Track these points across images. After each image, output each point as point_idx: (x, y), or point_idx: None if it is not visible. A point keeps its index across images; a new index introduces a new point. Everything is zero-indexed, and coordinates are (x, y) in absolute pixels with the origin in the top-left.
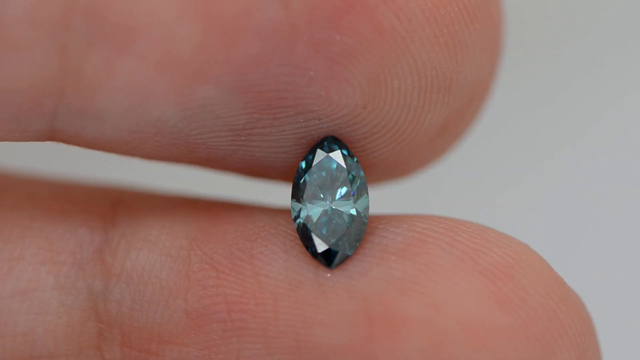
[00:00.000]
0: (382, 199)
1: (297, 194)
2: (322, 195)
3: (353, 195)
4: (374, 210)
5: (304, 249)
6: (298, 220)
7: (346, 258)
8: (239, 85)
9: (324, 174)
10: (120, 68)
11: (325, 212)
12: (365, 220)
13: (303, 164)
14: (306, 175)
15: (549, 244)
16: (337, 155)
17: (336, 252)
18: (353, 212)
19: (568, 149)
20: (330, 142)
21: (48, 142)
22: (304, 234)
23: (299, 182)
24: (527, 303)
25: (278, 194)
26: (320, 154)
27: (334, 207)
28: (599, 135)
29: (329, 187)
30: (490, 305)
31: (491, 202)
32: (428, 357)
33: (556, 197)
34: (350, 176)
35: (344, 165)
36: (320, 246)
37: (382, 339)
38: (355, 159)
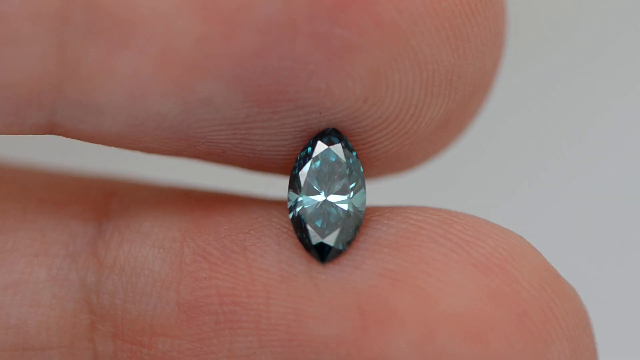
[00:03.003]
0: (378, 191)
1: (294, 186)
2: (319, 188)
3: (350, 189)
4: (369, 202)
5: (297, 241)
6: (293, 212)
7: (339, 254)
8: (239, 78)
9: (322, 166)
10: (119, 61)
11: (321, 205)
12: (361, 217)
13: (302, 155)
14: (304, 166)
15: (545, 237)
16: (336, 148)
17: (330, 248)
18: (349, 206)
19: (567, 143)
20: (330, 134)
21: (43, 135)
22: (299, 226)
23: (296, 174)
24: (521, 296)
25: (274, 186)
26: (320, 146)
27: (330, 201)
28: (599, 130)
29: (327, 180)
30: (483, 298)
31: (486, 194)
32: (420, 350)
33: (554, 191)
34: (349, 170)
35: (343, 159)
36: (314, 238)
37: (374, 331)
38: (354, 153)
